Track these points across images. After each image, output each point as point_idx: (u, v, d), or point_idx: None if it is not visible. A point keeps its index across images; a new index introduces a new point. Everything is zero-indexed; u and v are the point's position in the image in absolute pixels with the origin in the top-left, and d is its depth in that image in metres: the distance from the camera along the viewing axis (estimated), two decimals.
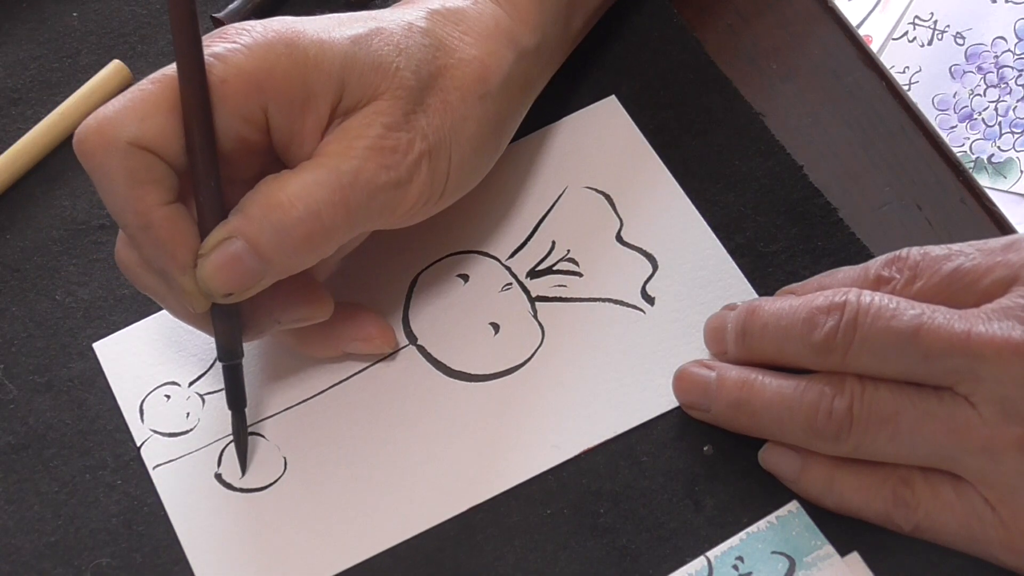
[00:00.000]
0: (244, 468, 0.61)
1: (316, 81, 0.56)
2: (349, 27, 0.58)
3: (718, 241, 0.64)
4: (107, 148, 0.55)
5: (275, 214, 0.55)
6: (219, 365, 0.63)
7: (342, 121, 0.57)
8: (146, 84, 0.56)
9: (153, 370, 0.64)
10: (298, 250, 0.56)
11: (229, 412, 0.62)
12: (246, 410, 0.61)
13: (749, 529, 0.58)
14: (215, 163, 0.56)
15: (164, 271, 0.57)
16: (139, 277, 0.58)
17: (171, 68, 0.56)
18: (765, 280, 0.63)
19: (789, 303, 0.57)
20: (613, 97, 0.68)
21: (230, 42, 0.56)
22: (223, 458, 0.62)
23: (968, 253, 0.56)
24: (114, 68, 0.71)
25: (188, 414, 0.63)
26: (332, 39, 0.57)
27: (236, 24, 0.57)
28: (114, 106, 0.56)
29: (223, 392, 0.63)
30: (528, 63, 0.63)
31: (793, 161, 0.65)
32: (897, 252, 0.58)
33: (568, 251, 0.65)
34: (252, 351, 0.63)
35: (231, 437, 0.62)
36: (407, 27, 0.59)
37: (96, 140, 0.55)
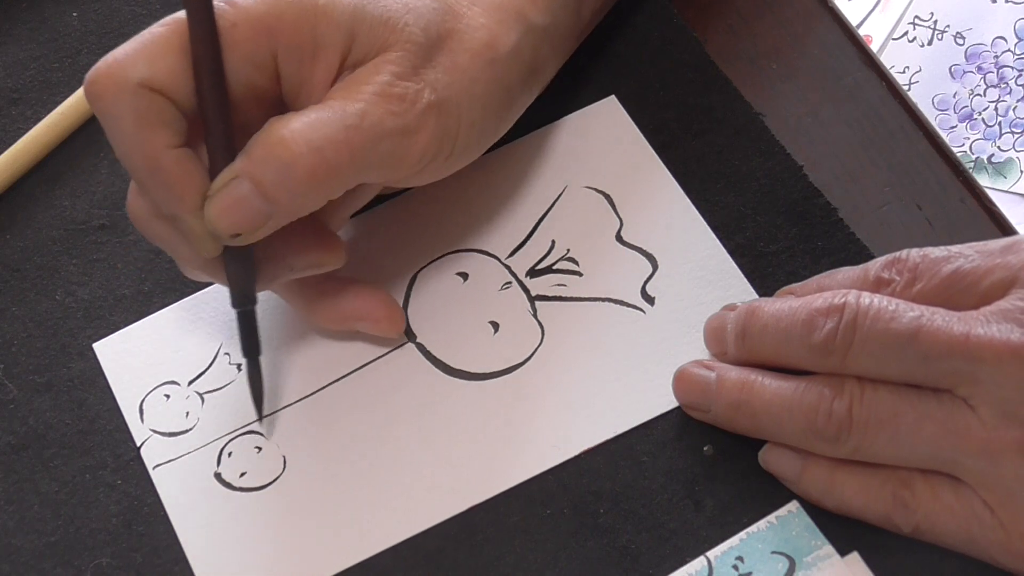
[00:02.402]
0: (261, 414, 0.62)
1: (325, 30, 0.56)
2: None
3: (718, 241, 0.64)
4: (117, 90, 0.55)
5: (277, 150, 0.55)
6: (218, 364, 0.63)
7: (351, 73, 0.57)
8: (156, 27, 0.56)
9: (153, 370, 0.64)
10: (302, 188, 0.56)
11: (228, 411, 0.62)
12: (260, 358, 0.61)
13: (749, 529, 0.58)
14: (226, 106, 0.56)
15: (173, 215, 0.56)
16: (150, 227, 0.58)
17: (182, 12, 0.56)
18: (765, 280, 0.63)
19: (789, 304, 0.57)
20: (613, 97, 0.68)
21: None
22: (223, 457, 0.62)
23: (967, 255, 0.56)
24: None
25: (188, 413, 0.63)
26: None
27: None
28: (124, 49, 0.55)
29: (222, 391, 0.63)
30: (537, 39, 0.63)
31: (793, 161, 0.65)
32: (897, 254, 0.58)
33: (568, 250, 0.65)
34: None
35: (230, 436, 0.62)
36: None
37: (106, 82, 0.55)
